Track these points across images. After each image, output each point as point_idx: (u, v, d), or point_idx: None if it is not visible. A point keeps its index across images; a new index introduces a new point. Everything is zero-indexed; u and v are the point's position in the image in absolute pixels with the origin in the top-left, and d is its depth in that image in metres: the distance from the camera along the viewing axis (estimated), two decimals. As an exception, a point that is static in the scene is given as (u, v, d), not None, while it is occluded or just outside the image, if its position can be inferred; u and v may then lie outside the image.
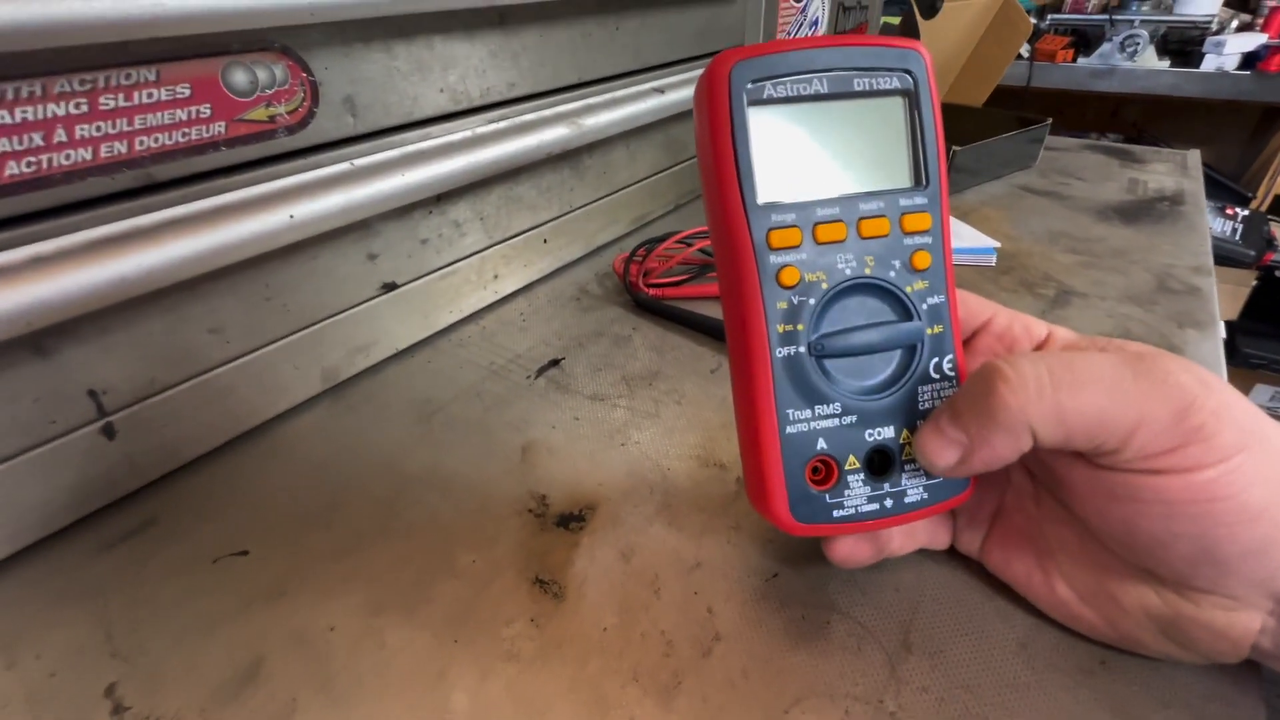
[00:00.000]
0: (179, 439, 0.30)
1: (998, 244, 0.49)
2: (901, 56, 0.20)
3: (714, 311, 0.42)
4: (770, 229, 0.19)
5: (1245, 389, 1.62)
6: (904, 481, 0.21)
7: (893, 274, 0.20)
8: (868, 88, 0.20)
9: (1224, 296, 1.54)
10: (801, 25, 0.69)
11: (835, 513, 0.20)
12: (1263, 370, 1.57)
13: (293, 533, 0.28)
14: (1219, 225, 1.54)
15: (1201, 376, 0.17)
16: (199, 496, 0.30)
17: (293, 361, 0.34)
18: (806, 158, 0.20)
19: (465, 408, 0.35)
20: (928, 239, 0.20)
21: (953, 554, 0.25)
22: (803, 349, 0.20)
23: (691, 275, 0.45)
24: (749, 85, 0.19)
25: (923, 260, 0.20)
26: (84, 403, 0.27)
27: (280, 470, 0.31)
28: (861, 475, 0.20)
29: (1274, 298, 1.58)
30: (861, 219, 0.20)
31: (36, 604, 0.25)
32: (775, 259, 0.19)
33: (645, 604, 0.24)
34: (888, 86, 0.20)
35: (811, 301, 0.20)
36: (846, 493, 0.20)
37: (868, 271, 0.20)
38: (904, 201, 0.20)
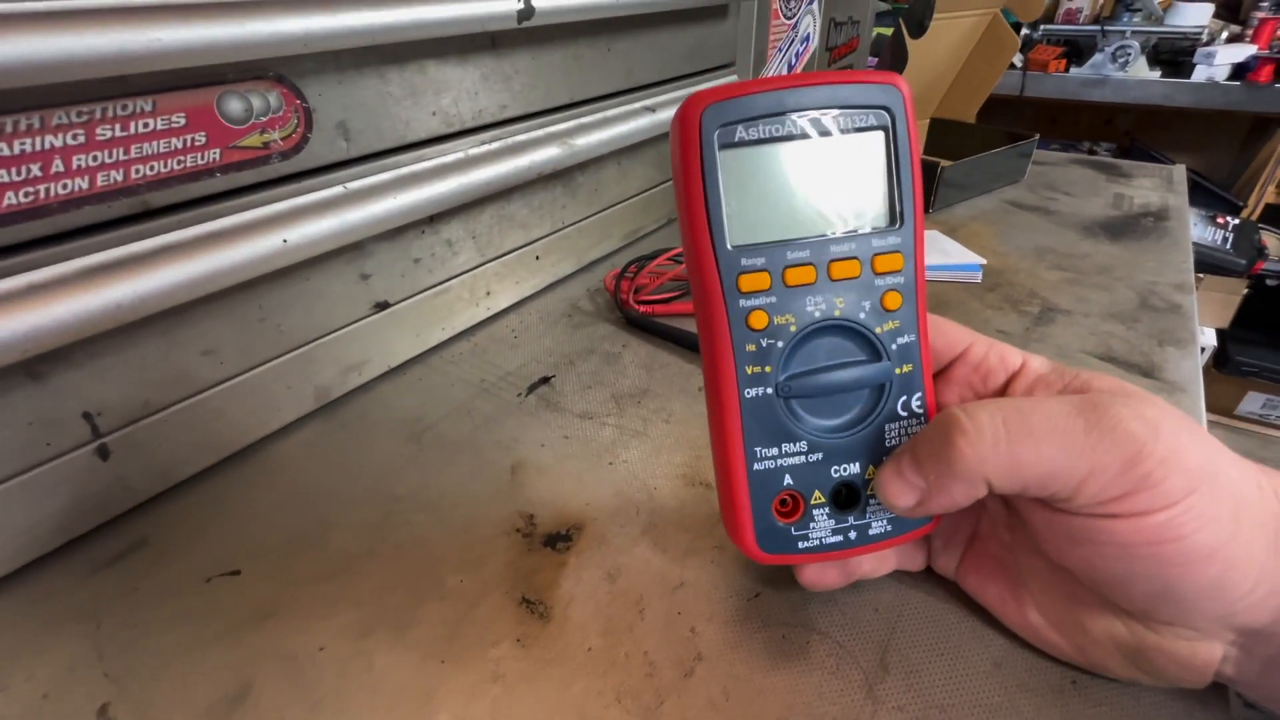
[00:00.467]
0: (172, 460, 0.31)
1: (984, 261, 0.50)
2: (879, 93, 0.20)
3: (703, 329, 0.42)
4: (740, 273, 0.19)
5: (1237, 397, 1.63)
6: (868, 515, 0.22)
7: (863, 315, 0.20)
8: (843, 127, 0.20)
9: (1215, 305, 1.56)
10: (793, 42, 0.70)
11: (800, 544, 0.21)
12: (1254, 378, 1.58)
13: (283, 553, 0.28)
14: (1210, 234, 1.55)
15: (1152, 421, 0.17)
16: (191, 517, 0.30)
17: (285, 381, 0.34)
18: (778, 199, 0.20)
19: (455, 426, 0.35)
20: (899, 279, 0.21)
21: (931, 575, 0.25)
22: (770, 390, 0.20)
23: (682, 292, 0.46)
24: (720, 129, 0.19)
25: (894, 300, 0.21)
26: (79, 425, 0.27)
27: (272, 490, 0.32)
28: (827, 509, 0.21)
29: (1265, 306, 1.59)
30: (832, 261, 0.20)
31: (29, 626, 0.25)
32: (744, 303, 0.20)
33: (629, 624, 0.25)
34: (863, 124, 0.20)
35: (780, 344, 0.20)
36: (812, 525, 0.21)
37: (837, 313, 0.20)
38: (877, 242, 0.20)
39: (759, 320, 0.20)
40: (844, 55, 0.84)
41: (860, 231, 0.20)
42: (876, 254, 0.20)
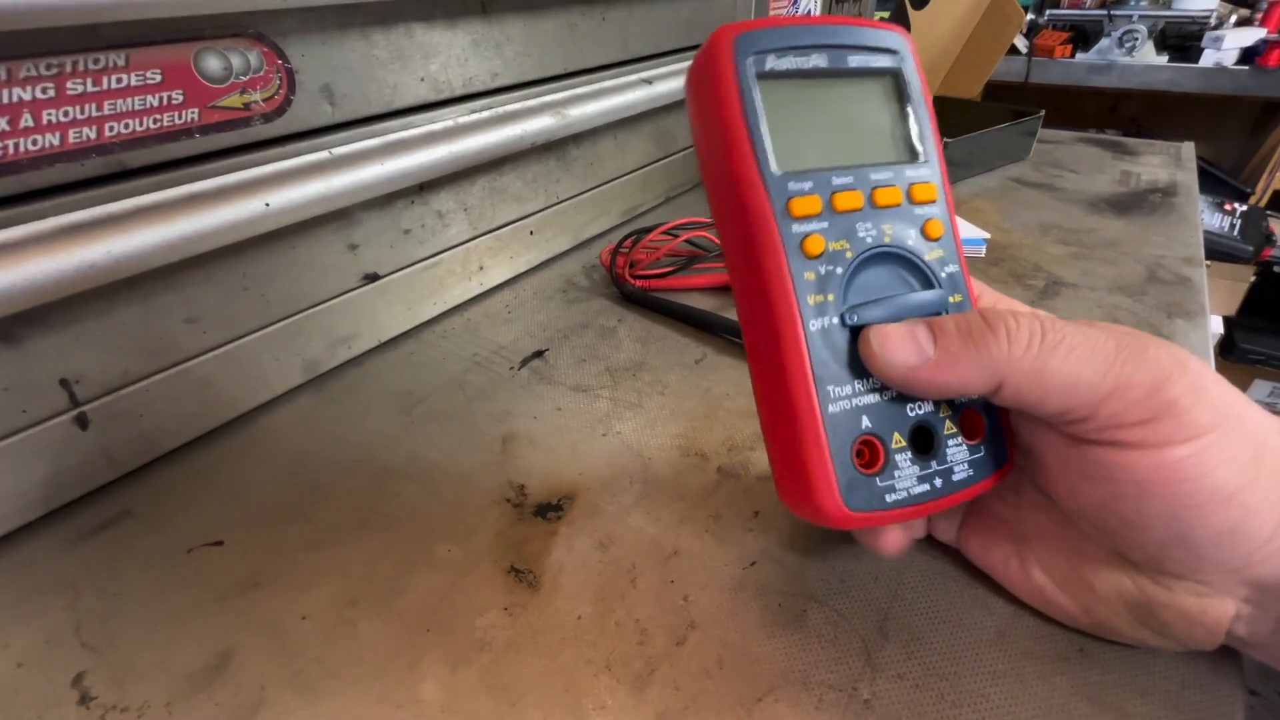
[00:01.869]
0: (156, 430, 0.30)
1: (988, 235, 0.49)
2: (890, 38, 0.20)
3: (700, 303, 0.42)
4: (790, 198, 0.19)
5: (1244, 385, 1.62)
6: (950, 457, 0.20)
7: (911, 242, 0.20)
8: (861, 65, 0.20)
9: (1222, 292, 1.54)
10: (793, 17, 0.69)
11: (888, 497, 0.19)
12: (1261, 366, 1.57)
13: (270, 524, 0.27)
14: (1217, 221, 1.54)
15: (1180, 356, 0.17)
16: (176, 488, 0.30)
17: (272, 352, 0.34)
18: (815, 129, 0.20)
19: (447, 399, 0.35)
20: (935, 209, 0.20)
21: (932, 543, 0.25)
22: (834, 320, 0.19)
23: (678, 267, 0.45)
24: (752, 56, 0.18)
25: (935, 229, 0.20)
26: (56, 392, 0.27)
27: (259, 462, 0.31)
28: (909, 454, 0.19)
29: (1272, 293, 1.57)
30: (875, 188, 0.20)
31: (7, 596, 0.25)
32: (798, 228, 0.19)
33: (621, 593, 0.24)
34: (879, 65, 0.20)
35: (839, 270, 0.19)
36: (896, 474, 0.19)
37: (888, 239, 0.20)
38: (910, 173, 0.20)
39: (815, 245, 0.19)
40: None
41: (895, 161, 0.20)
42: (912, 184, 0.20)
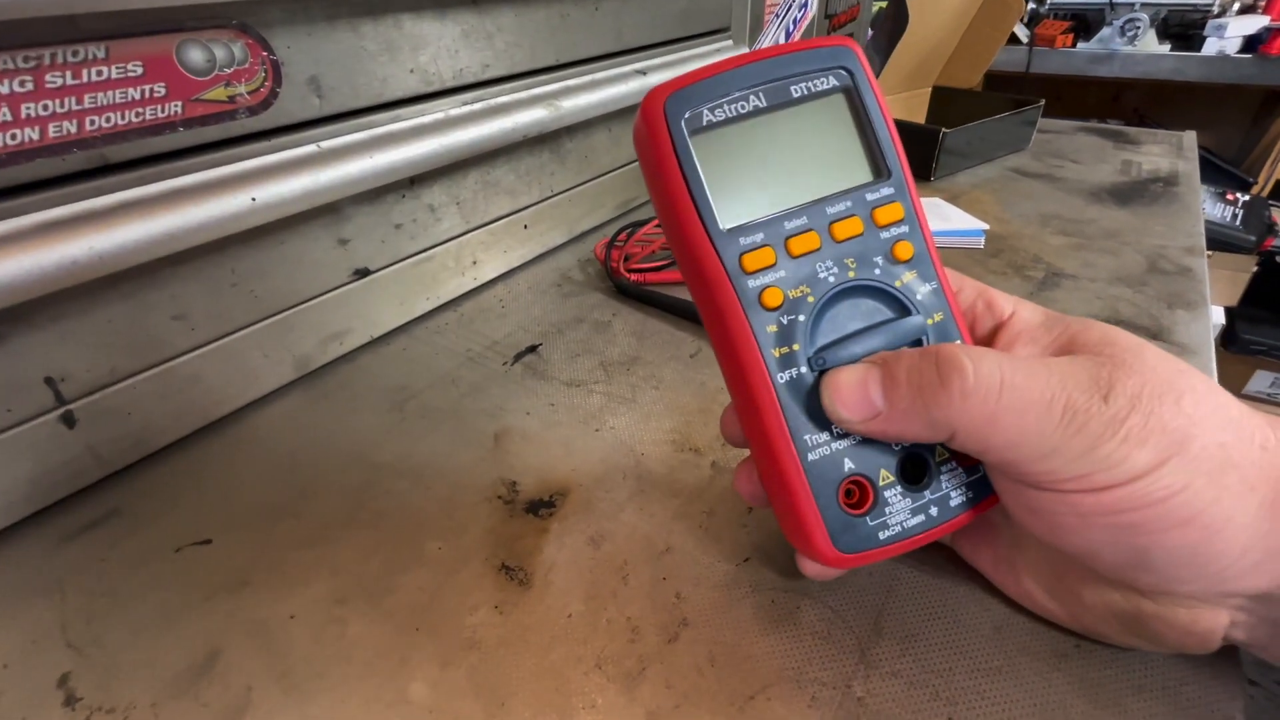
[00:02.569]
0: (144, 428, 0.30)
1: (986, 226, 0.49)
2: (833, 54, 0.19)
3: (695, 296, 0.41)
4: (742, 253, 0.18)
5: (1245, 376, 1.61)
6: (944, 484, 0.19)
7: (878, 271, 0.19)
8: (806, 92, 0.19)
9: (1224, 283, 1.53)
10: (790, 7, 0.68)
11: (881, 534, 0.19)
12: (1262, 356, 1.56)
13: (259, 522, 0.27)
14: (1219, 211, 1.53)
15: (1131, 396, 0.16)
16: (165, 486, 0.29)
17: (262, 349, 0.33)
18: (761, 173, 0.19)
19: (439, 395, 0.34)
20: (904, 228, 0.20)
21: (928, 538, 0.24)
22: (803, 369, 0.19)
23: (673, 260, 0.44)
24: (686, 115, 0.18)
25: (905, 251, 0.19)
26: (41, 391, 0.26)
27: (249, 460, 0.31)
28: (898, 489, 0.19)
29: (1274, 283, 1.56)
30: (833, 222, 0.19)
31: (-7, 595, 0.24)
32: (754, 282, 0.19)
33: (613, 590, 0.24)
34: (825, 86, 0.19)
35: (801, 318, 0.19)
36: (888, 510, 0.19)
37: (851, 275, 0.19)
38: (871, 196, 0.19)
39: (773, 298, 0.19)
40: (844, 24, 0.82)
41: (852, 188, 0.19)
42: (874, 207, 0.19)
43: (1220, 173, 1.74)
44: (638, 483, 0.28)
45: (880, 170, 0.20)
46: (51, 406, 0.27)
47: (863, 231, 0.19)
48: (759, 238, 0.19)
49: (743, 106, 0.19)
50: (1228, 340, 1.58)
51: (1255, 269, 1.53)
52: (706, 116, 0.18)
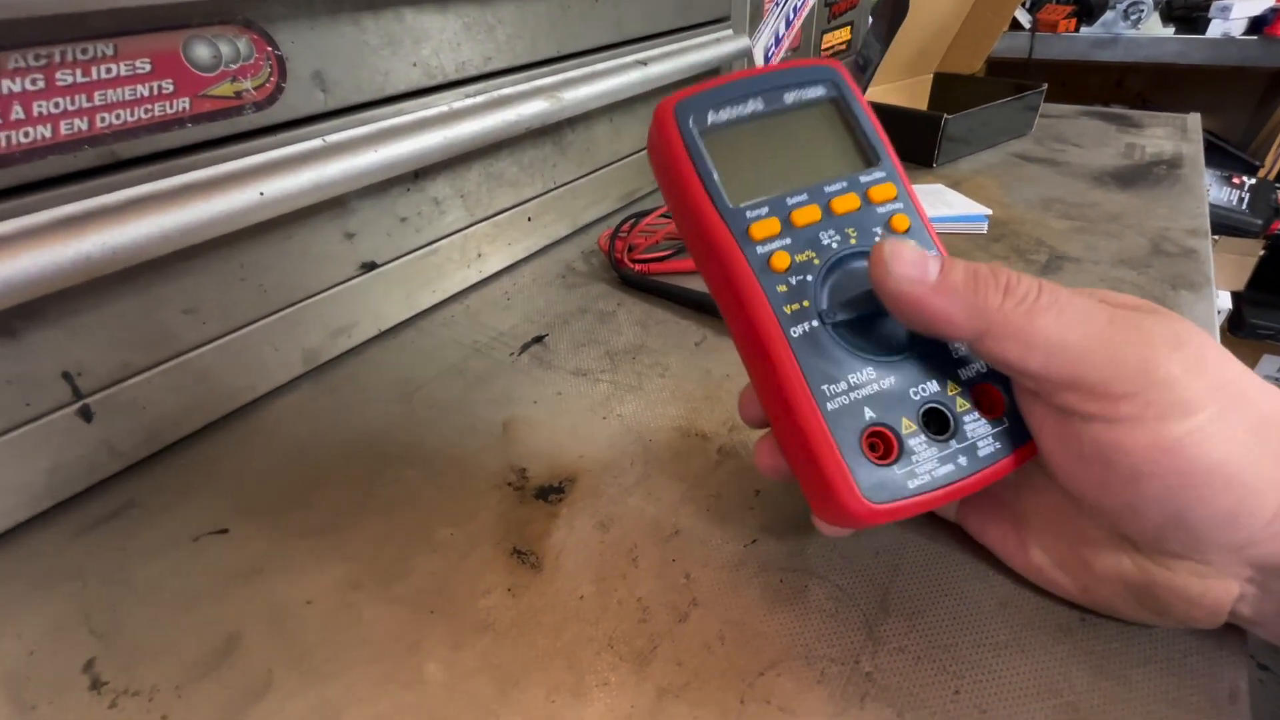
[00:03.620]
0: (159, 422, 0.30)
1: (989, 211, 0.49)
2: (821, 71, 0.22)
3: (699, 285, 0.41)
4: (749, 224, 0.20)
5: (1252, 360, 1.60)
6: (969, 434, 0.19)
7: (878, 239, 0.20)
8: (798, 100, 0.21)
9: (1230, 266, 1.52)
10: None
11: (911, 484, 0.18)
12: (1270, 341, 1.55)
13: (273, 512, 0.28)
14: (1225, 194, 1.51)
15: (1179, 329, 0.17)
16: (180, 478, 0.30)
17: (272, 343, 0.34)
18: (764, 163, 0.21)
19: (447, 386, 0.35)
20: (899, 204, 0.21)
21: (933, 518, 0.25)
22: (815, 322, 0.19)
23: (676, 250, 0.45)
24: (693, 117, 0.20)
25: (902, 222, 0.21)
26: (58, 385, 0.27)
27: (261, 451, 0.31)
28: (923, 438, 0.19)
29: (1281, 267, 1.55)
30: (831, 199, 0.21)
31: (17, 586, 0.25)
32: (762, 249, 0.20)
33: (623, 572, 0.24)
34: (815, 96, 0.22)
35: (809, 278, 0.20)
36: (915, 460, 0.19)
37: (853, 242, 0.20)
38: (865, 179, 0.21)
39: (781, 261, 0.20)
40: (844, 11, 0.81)
41: (847, 174, 0.21)
42: (869, 187, 0.21)
43: (1226, 156, 1.73)
44: (645, 468, 0.29)
45: (871, 161, 0.22)
46: (69, 401, 0.27)
47: (860, 207, 0.21)
48: (764, 210, 0.20)
49: (742, 109, 0.21)
50: (1234, 325, 1.57)
51: (1262, 253, 1.52)
52: (712, 118, 0.21)
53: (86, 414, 0.28)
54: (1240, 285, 1.55)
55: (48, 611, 0.24)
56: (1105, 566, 0.19)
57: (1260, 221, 1.49)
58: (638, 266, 0.43)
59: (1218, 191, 1.52)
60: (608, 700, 0.20)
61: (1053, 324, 0.17)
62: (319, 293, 0.35)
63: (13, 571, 0.26)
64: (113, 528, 0.27)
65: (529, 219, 0.46)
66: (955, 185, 0.55)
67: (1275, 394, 0.17)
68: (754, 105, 0.21)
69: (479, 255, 0.44)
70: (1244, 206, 1.50)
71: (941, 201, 0.50)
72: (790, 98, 0.21)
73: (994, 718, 0.19)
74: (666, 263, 0.44)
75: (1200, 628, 0.19)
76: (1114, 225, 0.47)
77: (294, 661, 0.22)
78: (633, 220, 0.45)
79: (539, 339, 0.38)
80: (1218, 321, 0.37)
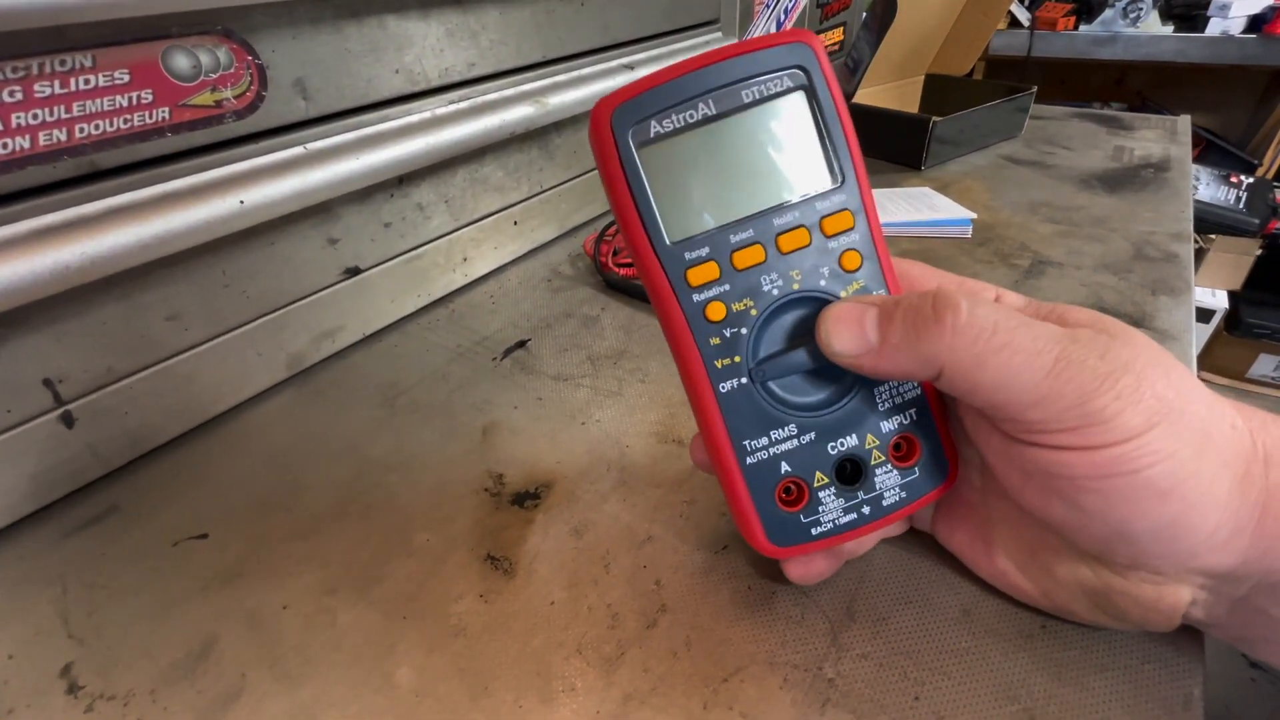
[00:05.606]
0: (141, 427, 0.31)
1: (974, 215, 0.49)
2: (787, 53, 0.18)
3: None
4: (687, 268, 0.19)
5: (1249, 360, 1.60)
6: (879, 485, 0.20)
7: (823, 282, 0.20)
8: (758, 95, 0.18)
9: (1227, 266, 1.52)
10: (781, -3, 0.68)
11: (814, 530, 0.20)
12: (1266, 340, 1.55)
13: (253, 516, 0.28)
14: (1223, 194, 1.51)
15: (1124, 359, 0.16)
16: (162, 483, 0.30)
17: (255, 348, 0.34)
18: (708, 185, 0.19)
19: (429, 390, 0.35)
20: (854, 237, 0.20)
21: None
22: (744, 380, 0.19)
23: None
24: (634, 127, 0.18)
25: (852, 261, 0.20)
26: (40, 392, 0.27)
27: (244, 456, 0.32)
28: (833, 489, 0.20)
29: (1278, 267, 1.55)
30: (779, 234, 0.19)
31: (-1, 589, 0.25)
32: (698, 296, 0.19)
33: (595, 578, 0.24)
34: (778, 89, 0.19)
35: (744, 331, 0.19)
36: (821, 509, 0.20)
37: (796, 286, 0.19)
38: (821, 205, 0.19)
39: (716, 311, 0.19)
40: (837, 12, 0.81)
41: (802, 198, 0.19)
42: (823, 216, 0.19)
43: (1225, 155, 1.73)
44: (621, 474, 0.29)
45: (834, 174, 0.19)
46: (51, 407, 0.27)
47: (809, 243, 0.19)
48: (704, 252, 0.19)
49: (691, 115, 0.18)
50: (1231, 324, 1.57)
51: (1259, 252, 1.52)
52: (654, 128, 0.18)
53: (68, 420, 0.28)
54: (1237, 285, 1.55)
55: (27, 616, 0.24)
56: (1065, 572, 0.20)
57: (1258, 221, 1.49)
58: (621, 271, 0.43)
59: (1215, 190, 1.51)
60: (574, 705, 0.20)
61: (1002, 367, 0.17)
62: (303, 298, 0.35)
63: (-5, 576, 0.26)
64: (94, 532, 0.28)
65: (515, 223, 0.47)
66: (943, 188, 0.55)
67: (1222, 412, 0.17)
68: (704, 109, 0.18)
69: (464, 259, 0.44)
70: (1241, 206, 1.50)
71: (927, 205, 0.51)
72: (748, 94, 0.18)
73: (952, 724, 0.19)
74: (651, 267, 0.44)
75: (1156, 630, 0.19)
76: (1098, 229, 0.48)
77: (268, 666, 0.22)
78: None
79: (522, 344, 0.38)
80: (1195, 324, 0.37)
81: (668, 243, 0.19)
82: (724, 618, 0.23)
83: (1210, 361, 1.63)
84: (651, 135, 0.18)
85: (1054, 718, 0.19)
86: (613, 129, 0.18)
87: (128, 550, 0.27)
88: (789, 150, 0.19)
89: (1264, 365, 1.60)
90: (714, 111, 0.18)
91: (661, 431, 0.31)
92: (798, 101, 0.19)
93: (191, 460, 0.32)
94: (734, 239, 0.19)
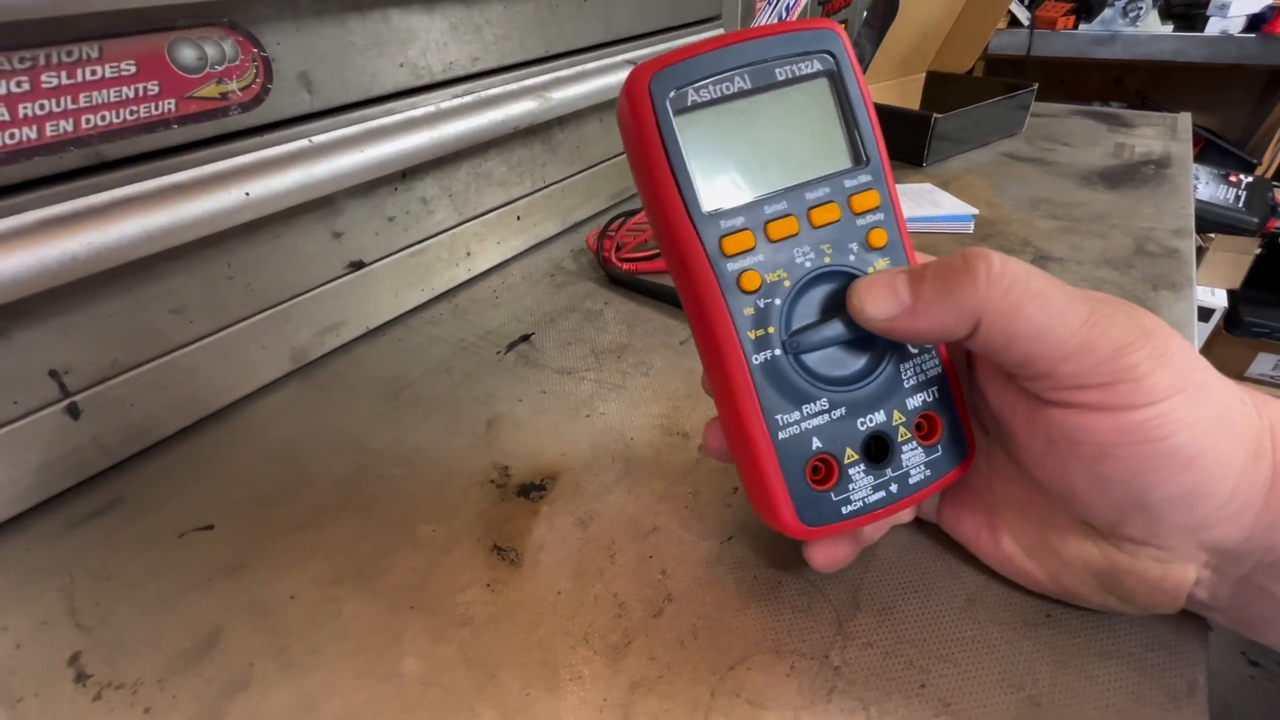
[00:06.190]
0: (147, 419, 0.31)
1: (976, 211, 0.49)
2: (818, 38, 0.19)
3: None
4: (722, 236, 0.19)
5: (1248, 359, 1.61)
6: (905, 462, 0.20)
7: (852, 258, 0.20)
8: (790, 75, 0.19)
9: (1226, 265, 1.53)
10: (782, -6, 0.68)
11: (844, 509, 0.20)
12: (1265, 339, 1.55)
13: (258, 508, 0.28)
14: (1222, 192, 1.51)
15: (1148, 324, 0.17)
16: (167, 475, 0.30)
17: (260, 342, 0.34)
18: (744, 157, 0.19)
19: (433, 384, 0.35)
20: (879, 215, 0.20)
21: (906, 515, 0.25)
22: (778, 351, 0.19)
23: (665, 249, 0.45)
24: (671, 94, 0.18)
25: (879, 238, 0.20)
26: (46, 384, 0.27)
27: (248, 449, 0.32)
28: (862, 466, 0.20)
29: (1277, 266, 1.56)
30: (811, 208, 0.19)
31: (4, 581, 0.25)
32: (733, 265, 0.19)
33: (600, 569, 0.24)
34: (809, 71, 0.19)
35: (777, 302, 0.19)
36: (851, 487, 0.20)
37: (827, 260, 0.20)
38: (849, 183, 0.20)
39: (751, 281, 0.19)
40: (838, 10, 0.82)
41: (832, 173, 0.20)
42: (852, 194, 0.20)
43: (1224, 154, 1.73)
44: (626, 465, 0.29)
45: (859, 156, 0.20)
46: (56, 399, 0.28)
47: (839, 218, 0.20)
48: (739, 221, 0.19)
49: (728, 87, 0.19)
50: (1230, 323, 1.57)
51: (1258, 251, 1.52)
52: (691, 96, 0.18)
53: (74, 411, 0.28)
54: (1236, 283, 1.56)
55: (35, 606, 0.24)
56: (1072, 553, 0.20)
57: (1257, 220, 1.49)
58: (625, 265, 0.44)
59: (1214, 189, 1.52)
60: (581, 693, 0.20)
61: (1037, 313, 0.17)
62: (307, 291, 0.35)
63: (1, 566, 0.26)
64: (100, 524, 0.28)
65: (518, 218, 0.47)
66: (945, 184, 0.55)
67: (1232, 389, 0.18)
68: (740, 82, 0.19)
69: (468, 254, 0.44)
70: (1240, 205, 1.50)
71: (929, 201, 0.51)
72: (781, 73, 0.19)
73: (958, 710, 0.19)
74: (653, 261, 0.44)
75: (1161, 612, 0.19)
76: (1099, 225, 0.48)
77: (275, 655, 0.22)
78: (621, 219, 0.46)
79: (525, 338, 0.39)
80: (1196, 320, 0.37)
81: (704, 211, 0.19)
82: (730, 607, 0.23)
83: (1209, 360, 1.63)
84: (689, 104, 0.18)
85: (1058, 704, 0.19)
86: (651, 95, 0.18)
87: (134, 541, 0.27)
88: (818, 129, 0.20)
89: (1263, 364, 1.60)
90: (749, 86, 0.19)
91: (666, 424, 0.31)
92: (827, 84, 0.20)
93: (196, 453, 0.32)
94: (769, 210, 0.19)
